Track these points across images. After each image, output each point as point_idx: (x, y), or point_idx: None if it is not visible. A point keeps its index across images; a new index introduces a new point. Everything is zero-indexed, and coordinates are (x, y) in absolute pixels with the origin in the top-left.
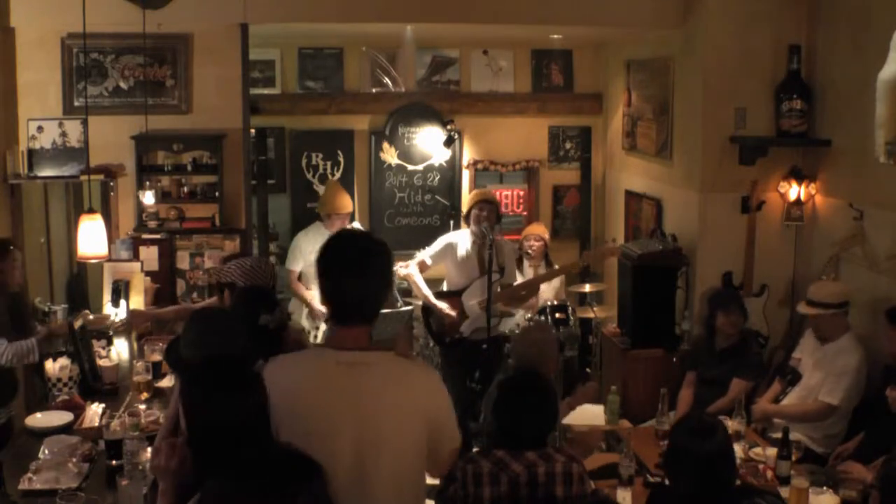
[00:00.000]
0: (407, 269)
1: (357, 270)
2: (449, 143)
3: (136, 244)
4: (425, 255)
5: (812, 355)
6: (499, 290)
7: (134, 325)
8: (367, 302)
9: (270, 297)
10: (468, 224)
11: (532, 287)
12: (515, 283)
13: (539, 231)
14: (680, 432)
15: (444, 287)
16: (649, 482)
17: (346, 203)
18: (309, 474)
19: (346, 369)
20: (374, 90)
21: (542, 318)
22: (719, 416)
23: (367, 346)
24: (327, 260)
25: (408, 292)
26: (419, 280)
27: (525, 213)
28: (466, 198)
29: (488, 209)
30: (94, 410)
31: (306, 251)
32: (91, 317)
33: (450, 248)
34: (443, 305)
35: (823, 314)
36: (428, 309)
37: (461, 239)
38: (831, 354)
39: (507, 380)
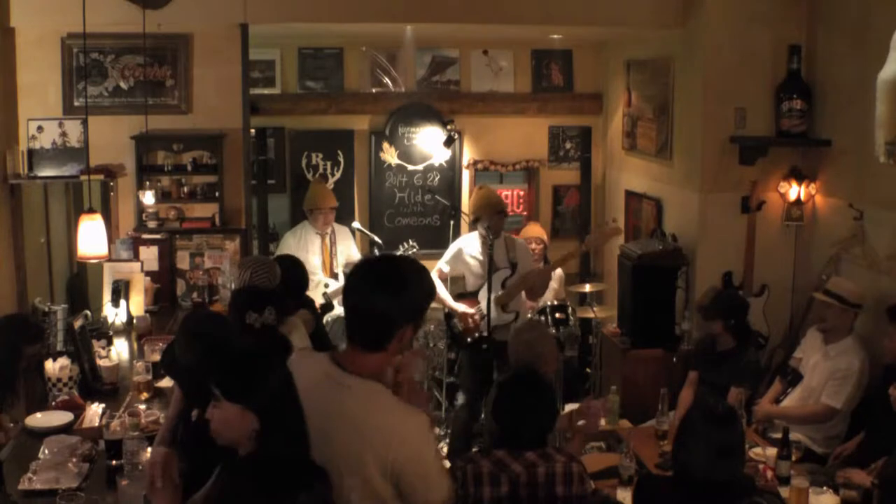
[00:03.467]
0: None
1: (360, 284)
2: (449, 143)
3: (136, 244)
4: (441, 262)
5: (814, 355)
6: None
7: None
8: (361, 322)
9: (261, 297)
10: (474, 227)
11: (533, 278)
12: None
13: (538, 233)
14: (697, 416)
15: (463, 289)
16: None
17: (328, 198)
18: (310, 479)
19: (330, 384)
20: (374, 90)
21: (542, 318)
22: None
23: (362, 373)
24: (346, 277)
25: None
26: (439, 287)
27: (525, 213)
28: (466, 198)
29: (498, 219)
30: (94, 410)
31: (293, 250)
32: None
33: (460, 254)
34: (461, 307)
35: (835, 306)
36: (449, 312)
37: (470, 243)
38: (834, 355)
39: (505, 380)
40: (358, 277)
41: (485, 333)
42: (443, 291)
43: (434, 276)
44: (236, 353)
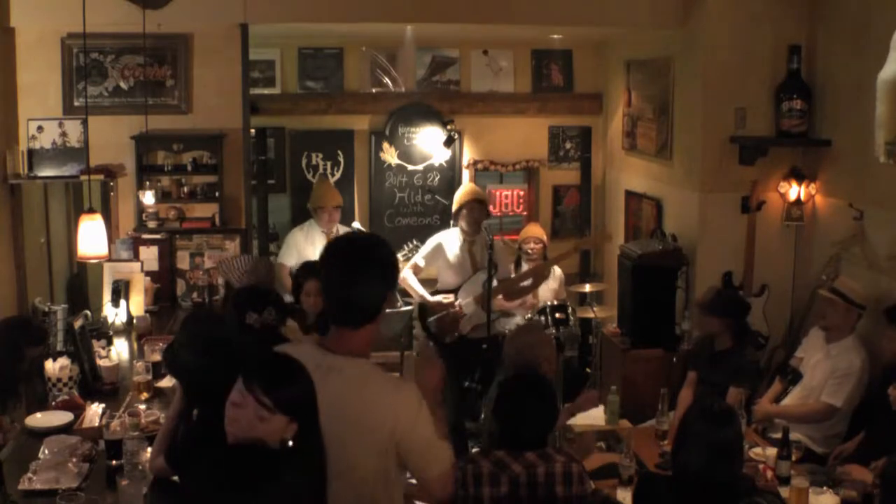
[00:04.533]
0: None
1: (344, 270)
2: (449, 143)
3: (136, 244)
4: (417, 257)
5: (816, 354)
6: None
7: None
8: (355, 304)
9: (261, 296)
10: (456, 222)
11: (526, 279)
12: (512, 276)
13: (538, 234)
14: (695, 416)
15: (438, 287)
16: None
17: (333, 197)
18: (274, 469)
19: (321, 371)
20: (374, 90)
21: (542, 318)
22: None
23: (352, 351)
24: (321, 258)
25: (407, 293)
26: (413, 282)
27: (525, 213)
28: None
29: (478, 208)
30: (94, 410)
31: (301, 246)
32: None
33: (440, 249)
34: (439, 298)
35: (838, 304)
36: (424, 311)
37: (450, 238)
38: (835, 354)
39: (506, 381)
40: (332, 267)
41: (464, 333)
42: (417, 285)
43: (408, 270)
44: (292, 364)
